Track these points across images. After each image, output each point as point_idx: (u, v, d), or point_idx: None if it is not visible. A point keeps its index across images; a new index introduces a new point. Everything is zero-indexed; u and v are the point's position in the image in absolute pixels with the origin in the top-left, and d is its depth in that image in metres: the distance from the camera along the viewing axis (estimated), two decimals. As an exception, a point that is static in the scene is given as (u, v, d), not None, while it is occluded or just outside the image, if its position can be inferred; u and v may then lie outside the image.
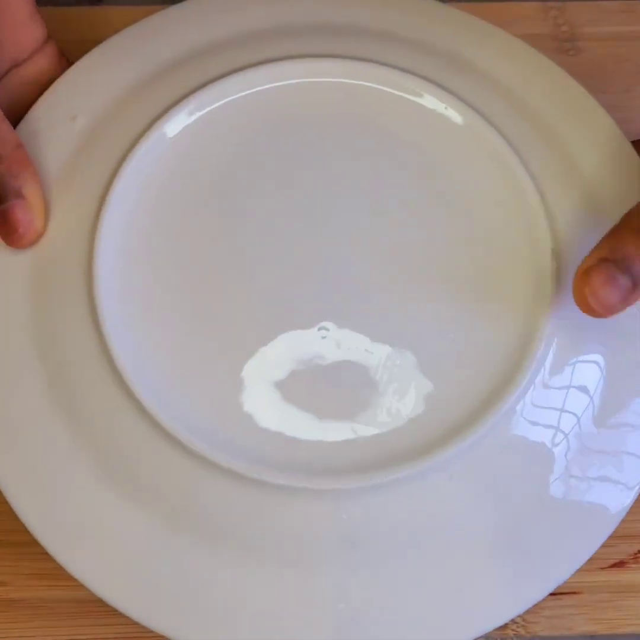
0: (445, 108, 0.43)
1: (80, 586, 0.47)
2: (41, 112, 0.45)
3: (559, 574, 0.42)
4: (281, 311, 0.41)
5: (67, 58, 0.48)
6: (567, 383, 0.41)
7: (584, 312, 0.39)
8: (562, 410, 0.41)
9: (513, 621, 0.48)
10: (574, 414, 0.41)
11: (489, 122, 0.43)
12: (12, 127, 0.43)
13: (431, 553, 0.40)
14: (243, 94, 0.42)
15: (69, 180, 0.43)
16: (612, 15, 0.58)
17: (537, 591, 0.41)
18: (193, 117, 0.42)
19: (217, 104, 0.42)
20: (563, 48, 0.58)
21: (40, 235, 0.42)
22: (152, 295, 0.41)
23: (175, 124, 0.42)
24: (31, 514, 0.42)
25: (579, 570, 0.48)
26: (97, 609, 0.47)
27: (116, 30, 0.57)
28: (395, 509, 0.39)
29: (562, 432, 0.41)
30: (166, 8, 0.47)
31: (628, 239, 0.39)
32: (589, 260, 0.39)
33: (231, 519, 0.40)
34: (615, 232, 0.40)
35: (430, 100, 0.43)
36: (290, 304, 0.41)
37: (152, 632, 0.47)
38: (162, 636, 0.43)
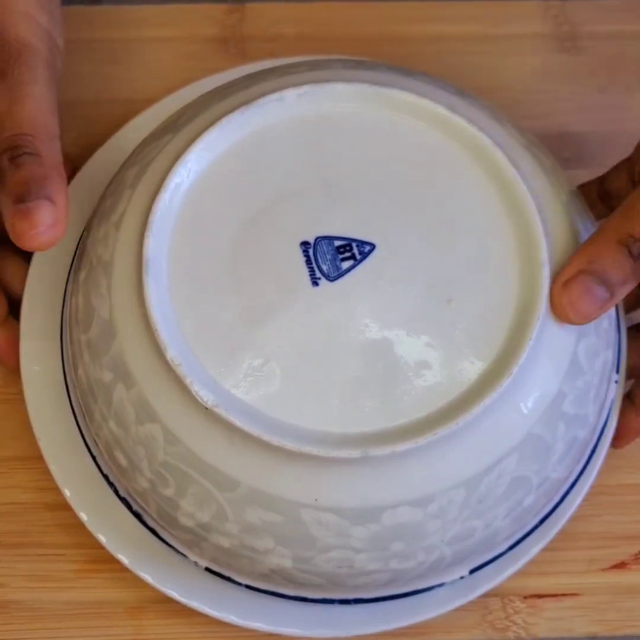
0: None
1: (76, 587, 0.47)
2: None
3: None
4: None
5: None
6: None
7: (560, 319, 0.41)
8: None
9: (514, 622, 0.48)
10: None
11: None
12: (59, 144, 0.44)
13: None
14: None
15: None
16: (612, 14, 0.58)
17: None
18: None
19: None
20: (564, 47, 0.58)
21: (54, 242, 0.42)
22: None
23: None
24: None
25: (580, 572, 0.48)
26: (94, 610, 0.47)
27: (114, 30, 0.58)
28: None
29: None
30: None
31: (605, 251, 0.41)
32: (568, 271, 0.41)
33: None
34: (592, 243, 0.42)
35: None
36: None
37: (149, 634, 0.47)
38: None
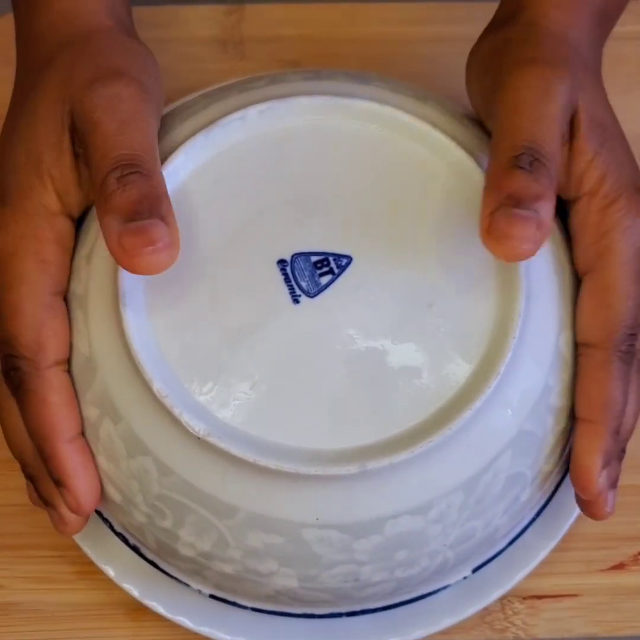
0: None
1: (76, 589, 0.47)
2: None
3: None
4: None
5: None
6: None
7: (505, 253, 0.39)
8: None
9: (512, 623, 0.48)
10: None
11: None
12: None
13: None
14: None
15: None
16: (611, 14, 0.58)
17: None
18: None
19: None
20: (562, 47, 0.58)
21: (168, 265, 0.38)
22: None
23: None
24: None
25: (579, 573, 0.48)
26: (94, 612, 0.47)
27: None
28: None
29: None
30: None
31: (505, 178, 0.39)
32: (485, 211, 0.39)
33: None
34: (492, 179, 0.40)
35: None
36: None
37: (148, 635, 0.47)
38: None
